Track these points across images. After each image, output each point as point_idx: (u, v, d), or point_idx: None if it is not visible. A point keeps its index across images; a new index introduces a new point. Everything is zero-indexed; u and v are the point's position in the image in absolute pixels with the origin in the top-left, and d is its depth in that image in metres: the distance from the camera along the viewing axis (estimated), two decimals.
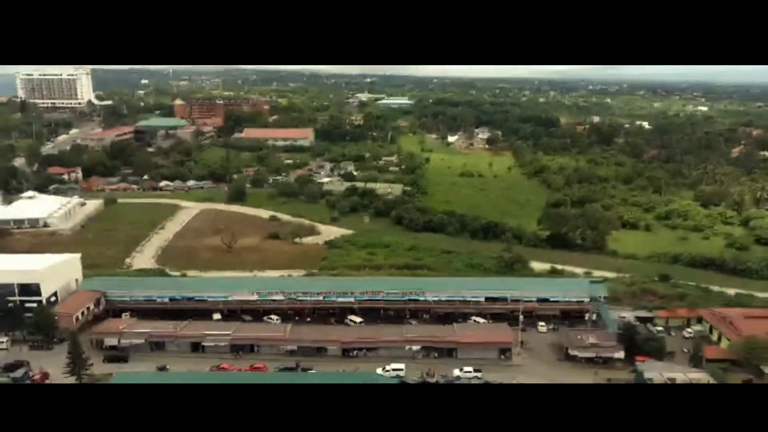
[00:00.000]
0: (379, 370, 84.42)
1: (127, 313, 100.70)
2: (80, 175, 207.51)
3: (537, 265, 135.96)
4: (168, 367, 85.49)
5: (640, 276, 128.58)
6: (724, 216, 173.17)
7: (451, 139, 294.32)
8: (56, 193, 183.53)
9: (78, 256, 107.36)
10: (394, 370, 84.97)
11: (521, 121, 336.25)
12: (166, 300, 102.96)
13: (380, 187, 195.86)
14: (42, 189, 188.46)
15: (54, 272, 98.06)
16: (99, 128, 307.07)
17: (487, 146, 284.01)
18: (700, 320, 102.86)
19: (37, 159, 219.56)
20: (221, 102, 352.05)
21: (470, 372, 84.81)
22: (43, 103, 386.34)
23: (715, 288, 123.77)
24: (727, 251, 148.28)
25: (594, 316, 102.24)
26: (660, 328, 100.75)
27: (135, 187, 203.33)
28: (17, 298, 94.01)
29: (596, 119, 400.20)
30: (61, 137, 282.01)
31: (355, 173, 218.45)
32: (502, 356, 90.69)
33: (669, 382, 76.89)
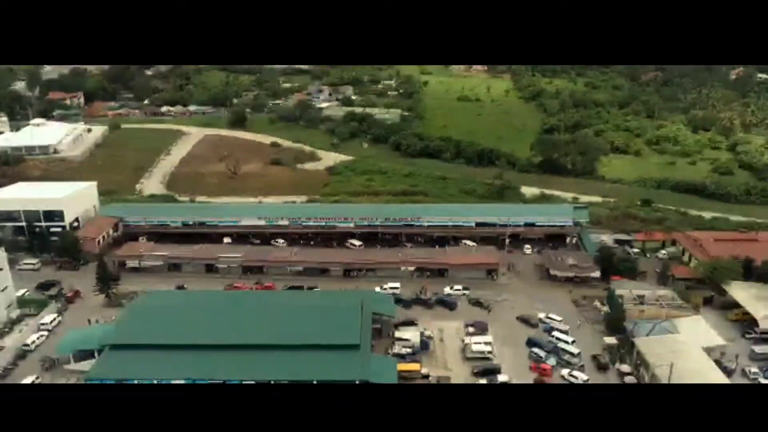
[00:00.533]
0: (377, 288, 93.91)
1: (143, 237, 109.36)
2: (82, 100, 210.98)
3: (528, 190, 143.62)
4: (185, 286, 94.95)
5: (624, 200, 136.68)
6: (713, 141, 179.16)
7: None
8: (61, 119, 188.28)
9: (94, 184, 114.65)
10: (390, 288, 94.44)
11: None
12: (179, 225, 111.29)
13: (378, 113, 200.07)
14: (46, 114, 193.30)
15: (75, 199, 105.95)
16: None
17: (486, 68, 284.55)
18: (674, 243, 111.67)
19: (38, 83, 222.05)
20: None
21: (459, 289, 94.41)
22: None
23: (694, 212, 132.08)
24: (711, 176, 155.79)
25: (575, 240, 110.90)
26: (636, 250, 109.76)
27: (137, 112, 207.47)
28: (43, 223, 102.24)
29: None
30: None
31: (353, 98, 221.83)
32: (490, 276, 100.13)
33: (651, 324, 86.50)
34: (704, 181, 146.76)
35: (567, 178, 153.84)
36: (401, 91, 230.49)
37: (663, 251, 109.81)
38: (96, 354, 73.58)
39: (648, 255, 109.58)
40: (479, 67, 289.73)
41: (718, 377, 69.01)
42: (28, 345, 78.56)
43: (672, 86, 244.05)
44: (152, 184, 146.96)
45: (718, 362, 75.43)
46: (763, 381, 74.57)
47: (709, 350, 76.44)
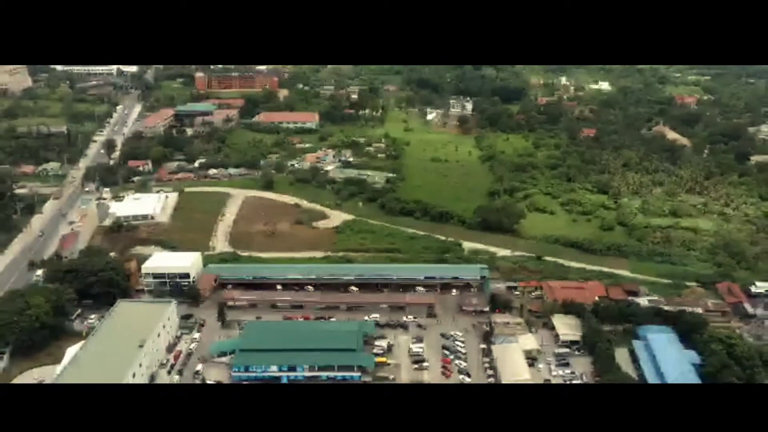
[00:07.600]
0: (366, 317, 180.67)
1: (230, 286, 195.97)
2: (150, 166, 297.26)
3: (469, 245, 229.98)
4: (261, 317, 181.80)
5: (525, 254, 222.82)
6: (606, 203, 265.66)
7: (429, 117, 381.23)
8: (140, 185, 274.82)
9: (199, 253, 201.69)
10: (373, 317, 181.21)
11: (493, 93, 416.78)
12: (251, 278, 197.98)
13: (370, 176, 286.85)
14: (128, 180, 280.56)
15: (193, 264, 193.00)
16: (138, 103, 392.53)
17: (457, 123, 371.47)
18: (542, 288, 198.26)
19: (113, 150, 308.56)
20: (236, 75, 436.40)
21: (411, 318, 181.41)
22: (77, 70, 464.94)
23: (567, 263, 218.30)
24: (597, 232, 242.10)
25: (478, 287, 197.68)
26: (518, 293, 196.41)
27: (191, 175, 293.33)
28: (177, 280, 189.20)
29: (563, 80, 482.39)
30: (114, 118, 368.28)
31: (351, 160, 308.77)
32: (430, 309, 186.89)
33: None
34: (582, 239, 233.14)
35: (497, 234, 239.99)
36: (387, 154, 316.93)
37: (533, 294, 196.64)
38: (228, 353, 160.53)
39: (525, 295, 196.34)
40: (453, 122, 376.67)
41: (522, 364, 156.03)
42: (191, 350, 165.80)
43: (601, 142, 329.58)
44: (219, 242, 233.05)
45: (532, 358, 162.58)
46: (553, 368, 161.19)
47: (529, 351, 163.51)
